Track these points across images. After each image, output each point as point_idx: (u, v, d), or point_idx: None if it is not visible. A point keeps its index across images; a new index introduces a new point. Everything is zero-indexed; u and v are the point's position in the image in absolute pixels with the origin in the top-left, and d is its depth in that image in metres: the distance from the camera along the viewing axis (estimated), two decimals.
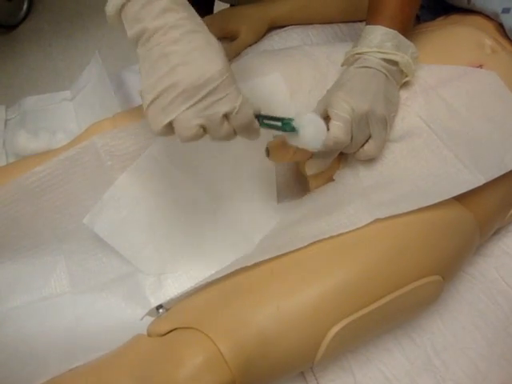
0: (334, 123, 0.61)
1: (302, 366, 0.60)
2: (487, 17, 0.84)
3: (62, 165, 0.69)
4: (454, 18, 0.87)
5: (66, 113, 0.91)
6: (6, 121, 0.91)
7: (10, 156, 0.85)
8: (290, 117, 0.58)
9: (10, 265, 0.72)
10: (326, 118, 0.63)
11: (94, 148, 0.69)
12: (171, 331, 0.54)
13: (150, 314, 0.59)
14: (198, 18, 0.54)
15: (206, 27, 0.54)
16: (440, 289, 0.63)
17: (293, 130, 0.57)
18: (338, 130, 0.61)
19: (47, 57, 1.71)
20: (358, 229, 0.59)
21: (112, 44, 1.70)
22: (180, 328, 0.54)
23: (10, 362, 0.63)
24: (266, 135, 0.72)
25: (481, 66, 0.74)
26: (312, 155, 0.66)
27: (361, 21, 1.03)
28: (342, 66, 0.71)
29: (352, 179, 0.69)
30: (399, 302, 0.58)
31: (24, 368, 0.62)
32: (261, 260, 0.57)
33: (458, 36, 0.79)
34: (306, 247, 0.58)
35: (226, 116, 0.53)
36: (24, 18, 1.83)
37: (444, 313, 0.71)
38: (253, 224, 0.75)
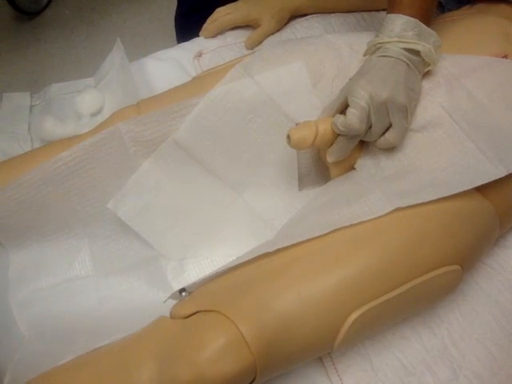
0: (349, 110, 0.62)
1: (321, 351, 0.60)
2: None
3: (87, 150, 0.71)
4: (480, 7, 0.86)
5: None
6: (31, 107, 0.93)
7: (36, 141, 0.87)
8: None
9: (36, 247, 0.74)
10: (347, 107, 0.63)
11: (118, 134, 0.71)
12: (194, 314, 0.55)
13: (172, 296, 0.60)
14: None
15: None
16: (459, 278, 0.63)
17: None
18: (352, 116, 0.61)
19: (70, 43, 1.72)
20: (378, 217, 0.59)
21: (134, 31, 1.71)
22: (202, 311, 0.55)
23: (37, 341, 0.65)
24: (288, 123, 0.72)
25: (506, 57, 0.73)
26: (332, 143, 0.66)
27: (383, 9, 1.02)
28: (364, 55, 0.71)
29: (373, 168, 0.69)
30: (418, 290, 0.58)
31: (50, 347, 0.63)
32: (282, 246, 0.58)
33: (483, 26, 0.78)
34: (326, 234, 0.59)
35: None
36: (47, 5, 1.83)
37: (462, 303, 0.71)
38: (274, 211, 0.76)
